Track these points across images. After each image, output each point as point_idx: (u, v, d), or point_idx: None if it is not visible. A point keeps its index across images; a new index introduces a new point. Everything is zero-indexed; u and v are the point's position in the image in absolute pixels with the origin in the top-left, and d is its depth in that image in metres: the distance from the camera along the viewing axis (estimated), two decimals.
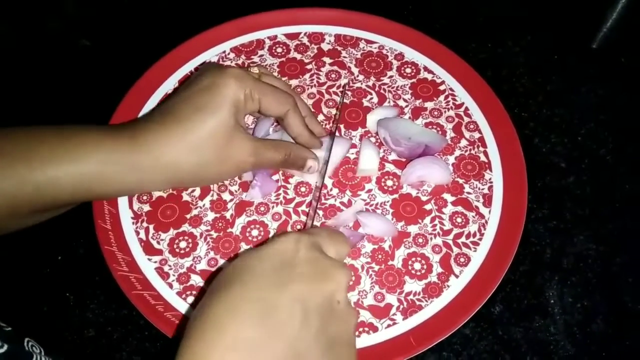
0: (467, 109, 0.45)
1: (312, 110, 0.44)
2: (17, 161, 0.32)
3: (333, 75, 0.47)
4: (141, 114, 0.45)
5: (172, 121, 0.35)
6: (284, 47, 0.49)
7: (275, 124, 0.44)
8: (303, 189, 0.41)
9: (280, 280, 0.27)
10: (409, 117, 0.45)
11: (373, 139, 0.44)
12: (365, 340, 0.36)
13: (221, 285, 0.28)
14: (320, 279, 0.28)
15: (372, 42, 0.49)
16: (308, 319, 0.27)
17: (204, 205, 0.40)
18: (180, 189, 0.41)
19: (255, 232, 0.39)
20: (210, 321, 0.26)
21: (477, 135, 0.44)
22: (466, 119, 0.45)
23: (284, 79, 0.47)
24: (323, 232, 0.32)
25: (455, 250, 0.39)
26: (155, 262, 0.38)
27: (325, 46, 0.49)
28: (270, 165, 0.39)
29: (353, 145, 0.43)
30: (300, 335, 0.26)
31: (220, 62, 0.48)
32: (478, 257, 0.39)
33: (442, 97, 0.46)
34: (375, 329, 0.36)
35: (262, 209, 0.40)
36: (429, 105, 0.46)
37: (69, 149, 0.33)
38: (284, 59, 0.48)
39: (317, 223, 0.40)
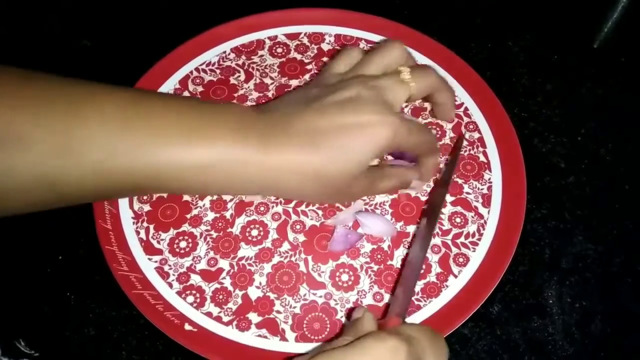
0: (466, 109, 0.45)
1: None
2: (149, 137, 0.30)
3: None
4: None
5: (311, 152, 0.32)
6: (284, 48, 0.49)
7: None
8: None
9: None
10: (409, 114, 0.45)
11: None
12: None
13: None
14: None
15: (372, 42, 0.49)
16: None
17: (204, 205, 0.41)
18: None
19: (255, 232, 0.40)
20: None
21: (476, 135, 0.44)
22: (465, 119, 0.45)
23: (283, 79, 0.47)
24: (424, 337, 0.27)
25: (454, 250, 0.39)
26: (156, 261, 0.38)
27: (325, 46, 0.49)
28: (379, 194, 0.40)
29: None
30: None
31: (221, 62, 0.48)
32: (477, 257, 0.39)
33: None
34: None
35: (262, 208, 0.41)
36: (429, 105, 0.46)
37: (202, 140, 0.31)
38: (284, 59, 0.48)
39: (316, 223, 0.40)
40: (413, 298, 0.37)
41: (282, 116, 0.34)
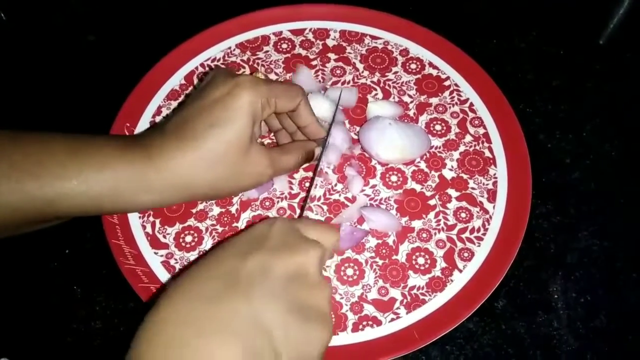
0: (472, 104, 0.45)
1: None
2: (27, 175, 0.31)
3: (338, 71, 0.47)
4: (147, 110, 0.45)
5: (186, 138, 0.33)
6: (289, 43, 0.49)
7: None
8: (307, 184, 0.42)
9: (246, 252, 0.29)
10: (414, 114, 0.45)
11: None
12: (369, 334, 0.36)
13: (195, 265, 0.29)
14: (287, 250, 0.29)
15: (377, 38, 0.49)
16: (270, 286, 0.27)
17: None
18: None
19: None
20: (175, 294, 0.27)
21: (481, 130, 0.44)
22: (471, 115, 0.45)
23: (289, 75, 0.47)
24: (307, 220, 0.33)
25: (459, 245, 0.39)
26: (162, 255, 0.39)
27: (330, 42, 0.49)
28: (287, 171, 0.39)
29: (355, 141, 0.43)
30: (259, 292, 0.27)
31: (226, 58, 0.48)
32: (482, 252, 0.39)
33: (447, 93, 0.46)
34: (379, 323, 0.36)
35: (267, 203, 0.41)
36: (434, 101, 0.46)
37: (81, 165, 0.32)
38: (289, 54, 0.48)
39: (321, 218, 0.40)
40: (418, 292, 0.37)
41: (156, 128, 0.36)
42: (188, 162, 0.33)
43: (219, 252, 0.29)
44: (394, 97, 0.46)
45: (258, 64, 0.48)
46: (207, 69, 0.47)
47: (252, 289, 0.27)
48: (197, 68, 0.47)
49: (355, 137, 0.44)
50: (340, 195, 0.41)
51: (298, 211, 0.40)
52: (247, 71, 0.47)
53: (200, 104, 0.34)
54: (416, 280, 0.38)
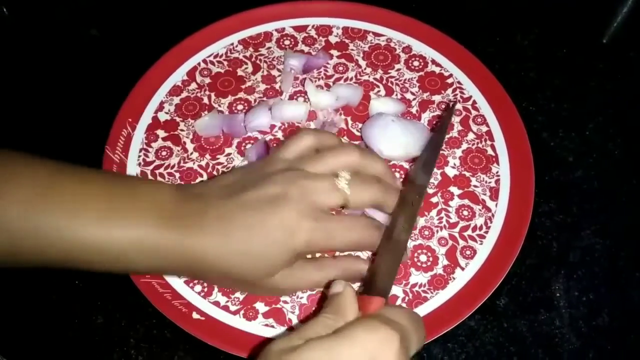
0: (474, 102, 0.45)
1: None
2: (62, 218, 0.29)
3: (340, 68, 0.47)
4: (149, 105, 0.45)
5: (227, 237, 0.31)
6: (292, 40, 0.49)
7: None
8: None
9: None
10: (417, 111, 0.45)
11: None
12: None
13: None
14: None
15: (380, 35, 0.49)
16: None
17: None
18: (190, 179, 0.41)
19: None
20: None
21: (484, 128, 0.44)
22: (474, 112, 0.45)
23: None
24: (410, 324, 0.26)
25: (462, 243, 0.39)
26: None
27: (332, 39, 0.49)
28: (314, 287, 0.36)
29: (358, 138, 0.43)
30: None
31: (228, 54, 0.48)
32: (484, 250, 0.39)
33: (449, 91, 0.46)
34: None
35: None
36: (437, 98, 0.46)
37: (121, 223, 0.30)
38: (291, 51, 0.48)
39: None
40: (420, 289, 0.37)
41: (202, 205, 0.32)
42: (212, 266, 0.31)
43: None
44: (396, 95, 0.46)
45: (260, 60, 0.48)
46: (209, 65, 0.47)
47: None
48: (199, 64, 0.47)
49: (358, 133, 0.44)
50: None
51: None
52: (250, 68, 0.47)
53: (255, 217, 0.31)
54: (418, 277, 0.38)
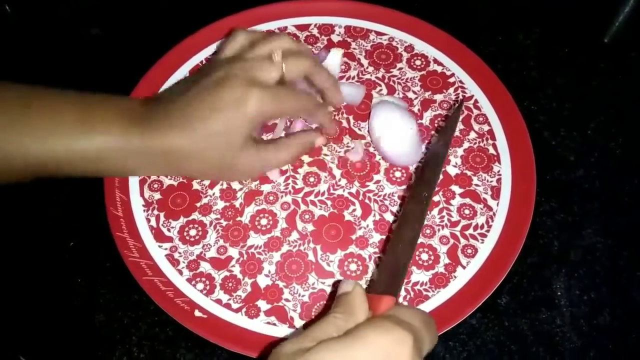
0: (476, 101, 0.45)
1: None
2: (34, 131, 0.33)
3: (343, 67, 0.47)
4: None
5: (189, 122, 0.35)
6: (294, 38, 0.49)
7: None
8: (312, 179, 0.42)
9: None
10: (418, 110, 0.45)
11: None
12: None
13: None
14: None
15: (382, 34, 0.49)
16: None
17: (213, 194, 0.41)
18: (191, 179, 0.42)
19: (264, 221, 0.40)
20: None
21: (486, 127, 0.44)
22: (475, 112, 0.45)
23: None
24: (422, 325, 0.26)
25: (463, 241, 0.39)
26: (166, 249, 0.39)
27: (335, 37, 0.49)
28: (280, 166, 0.41)
29: (360, 137, 0.43)
30: None
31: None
32: (485, 248, 0.39)
33: (451, 90, 0.46)
34: None
35: (271, 198, 0.41)
36: (439, 97, 0.46)
37: (90, 130, 0.34)
38: None
39: (325, 214, 0.40)
40: (421, 288, 0.37)
41: (163, 104, 0.36)
42: (183, 146, 0.35)
43: None
44: (398, 93, 0.46)
45: None
46: None
47: None
48: (201, 62, 0.47)
49: (360, 132, 0.44)
50: (344, 190, 0.41)
51: (302, 206, 0.40)
52: None
53: (208, 98, 0.35)
54: (419, 276, 0.38)
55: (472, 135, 0.44)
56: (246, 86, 0.35)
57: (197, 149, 0.35)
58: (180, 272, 0.38)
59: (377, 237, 0.39)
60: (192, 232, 0.39)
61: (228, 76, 0.35)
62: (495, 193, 0.41)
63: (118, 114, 0.35)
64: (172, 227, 0.39)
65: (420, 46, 0.48)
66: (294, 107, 0.38)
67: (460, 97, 0.46)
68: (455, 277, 0.38)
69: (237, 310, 0.36)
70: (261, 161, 0.38)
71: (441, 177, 0.42)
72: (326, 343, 0.24)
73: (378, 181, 0.42)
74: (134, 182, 0.41)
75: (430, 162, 0.40)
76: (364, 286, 0.37)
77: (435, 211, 0.40)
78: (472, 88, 0.46)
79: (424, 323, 0.26)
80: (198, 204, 0.40)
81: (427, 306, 0.37)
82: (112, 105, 0.35)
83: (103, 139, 0.34)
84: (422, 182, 0.37)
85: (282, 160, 0.39)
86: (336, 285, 0.37)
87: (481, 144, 0.43)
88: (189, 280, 0.37)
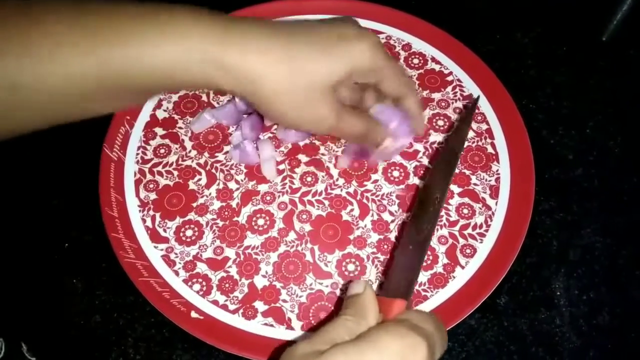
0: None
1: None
2: (99, 40, 0.28)
3: None
4: (147, 105, 0.44)
5: (283, 42, 0.30)
6: None
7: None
8: (309, 179, 0.41)
9: None
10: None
11: None
12: None
13: None
14: None
15: (380, 32, 0.49)
16: None
17: (210, 194, 0.40)
18: (188, 177, 0.41)
19: (261, 222, 0.39)
20: None
21: (484, 126, 0.44)
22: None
23: None
24: (435, 330, 0.26)
25: (462, 241, 0.39)
26: (162, 249, 0.38)
27: None
28: (348, 134, 0.35)
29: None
30: None
31: None
32: (484, 248, 0.39)
33: (449, 88, 0.46)
34: None
35: (268, 198, 0.40)
36: (437, 96, 0.45)
37: (153, 30, 0.29)
38: None
39: (323, 214, 0.40)
40: (419, 288, 0.37)
41: (253, 24, 0.31)
42: (270, 60, 0.30)
43: None
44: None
45: None
46: None
47: None
48: None
49: None
50: (341, 190, 0.41)
51: (299, 206, 0.40)
52: None
53: (317, 28, 0.32)
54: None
55: (471, 134, 0.44)
56: (363, 31, 0.32)
57: (287, 73, 0.30)
58: (177, 273, 0.37)
59: (375, 237, 0.39)
60: (189, 233, 0.39)
61: (341, 19, 0.33)
62: (494, 192, 0.41)
63: (195, 20, 0.30)
64: (168, 228, 0.39)
65: (418, 45, 0.48)
66: (400, 74, 0.35)
67: (459, 95, 0.45)
68: (454, 277, 0.38)
69: (234, 312, 0.36)
70: (338, 116, 0.33)
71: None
72: (341, 347, 0.24)
73: (376, 181, 0.41)
74: (129, 183, 0.41)
75: (442, 164, 0.38)
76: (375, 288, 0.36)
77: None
78: (471, 87, 0.46)
79: (436, 328, 0.26)
80: (194, 204, 0.40)
81: (426, 306, 0.36)
82: (184, 12, 0.30)
83: (185, 45, 0.29)
84: (435, 185, 0.36)
85: (355, 128, 0.34)
86: (334, 286, 0.37)
87: (480, 143, 0.43)
88: (185, 281, 0.37)
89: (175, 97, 0.45)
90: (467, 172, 0.42)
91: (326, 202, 0.40)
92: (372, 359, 0.23)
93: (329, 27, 0.32)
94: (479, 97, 0.44)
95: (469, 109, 0.42)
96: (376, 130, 0.36)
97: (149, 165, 0.42)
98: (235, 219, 0.40)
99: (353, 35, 0.32)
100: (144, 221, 0.39)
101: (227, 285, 0.37)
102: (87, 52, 0.28)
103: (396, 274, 0.31)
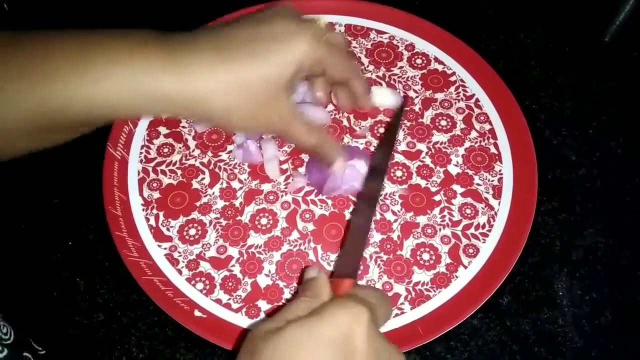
0: (477, 100, 0.45)
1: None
2: (37, 77, 0.28)
3: None
4: None
5: (225, 57, 0.30)
6: None
7: None
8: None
9: None
10: (419, 109, 0.45)
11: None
12: None
13: None
14: None
15: (383, 33, 0.49)
16: None
17: (213, 193, 0.41)
18: (192, 176, 0.41)
19: (264, 221, 0.40)
20: None
21: (487, 126, 0.44)
22: (477, 111, 0.45)
23: None
24: (378, 301, 0.28)
25: (464, 241, 0.39)
26: (165, 248, 0.38)
27: None
28: (296, 143, 0.35)
29: (359, 136, 0.43)
30: None
31: None
32: (487, 248, 0.39)
33: (452, 88, 0.46)
34: None
35: (271, 197, 0.40)
36: (440, 96, 0.45)
37: (91, 64, 0.29)
38: None
39: (326, 213, 0.40)
40: (422, 288, 0.37)
41: (189, 35, 0.31)
42: (212, 79, 0.30)
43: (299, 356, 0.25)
44: (399, 92, 0.45)
45: None
46: None
47: None
48: None
49: (360, 131, 0.44)
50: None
51: (302, 205, 0.40)
52: None
53: (256, 31, 0.31)
54: (421, 275, 0.38)
55: (474, 134, 0.44)
56: (301, 24, 0.32)
57: (232, 80, 0.30)
58: (180, 272, 0.37)
59: (378, 237, 0.39)
60: (192, 232, 0.39)
61: (276, 14, 0.32)
62: (497, 192, 0.41)
63: (129, 43, 0.30)
64: (172, 227, 0.39)
65: (421, 45, 0.48)
66: (343, 60, 0.35)
67: (462, 95, 0.45)
68: (456, 277, 0.38)
69: (237, 310, 0.36)
70: (288, 123, 0.33)
71: (442, 176, 0.42)
72: (295, 322, 0.26)
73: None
74: (133, 182, 0.41)
75: (371, 175, 0.39)
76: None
77: (436, 210, 0.40)
78: (473, 87, 0.46)
79: (379, 299, 0.29)
80: (198, 203, 0.40)
81: (429, 306, 0.36)
82: (120, 41, 0.30)
83: (119, 79, 0.29)
84: (373, 175, 0.39)
85: (302, 140, 0.34)
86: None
87: (482, 143, 0.43)
88: (188, 279, 0.37)
89: None
90: (470, 172, 0.42)
91: (329, 202, 0.40)
92: (322, 328, 0.26)
93: (268, 28, 0.31)
94: (403, 104, 0.43)
95: (396, 115, 0.43)
96: (328, 151, 0.36)
97: (152, 164, 0.42)
98: (239, 218, 0.40)
99: (291, 33, 0.31)
100: (148, 220, 0.39)
101: (230, 284, 0.37)
102: (23, 91, 0.28)
103: (345, 257, 0.36)
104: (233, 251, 0.38)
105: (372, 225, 0.39)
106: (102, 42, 0.30)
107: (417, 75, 0.46)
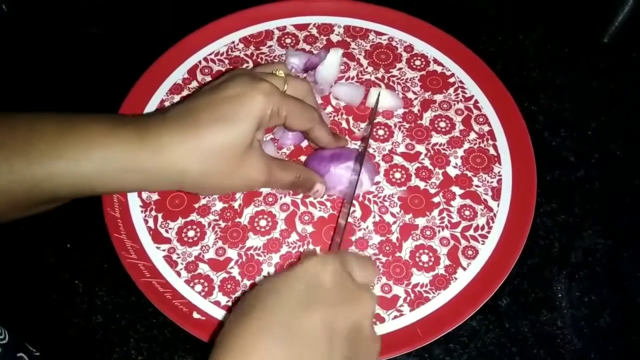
0: (476, 101, 0.45)
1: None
2: (15, 155, 0.31)
3: (342, 67, 0.47)
4: (149, 103, 0.45)
5: (188, 125, 0.33)
6: (293, 38, 0.49)
7: None
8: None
9: (307, 304, 0.27)
10: (418, 110, 0.45)
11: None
12: None
13: (245, 309, 0.27)
14: (347, 303, 0.28)
15: (382, 34, 0.49)
16: (335, 343, 0.26)
17: (212, 195, 0.41)
18: None
19: (263, 223, 0.39)
20: (236, 345, 0.25)
21: (486, 128, 0.44)
22: (475, 112, 0.45)
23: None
24: (351, 256, 0.31)
25: (463, 243, 0.39)
26: (164, 250, 0.38)
27: (334, 37, 0.49)
28: (280, 186, 0.38)
29: (358, 138, 0.43)
30: (323, 349, 0.26)
31: (229, 52, 0.48)
32: (486, 250, 0.39)
33: (451, 90, 0.46)
34: (382, 320, 0.36)
35: (270, 199, 0.40)
36: (438, 97, 0.45)
37: (70, 144, 0.31)
38: (292, 50, 0.48)
39: (325, 215, 0.40)
40: (421, 289, 0.37)
41: (157, 113, 0.34)
42: (184, 150, 0.32)
43: (270, 300, 0.27)
44: (398, 94, 0.45)
45: (261, 58, 0.47)
46: (210, 63, 0.47)
47: (317, 346, 0.26)
48: (200, 62, 0.47)
49: (359, 133, 0.43)
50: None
51: (301, 207, 0.40)
52: (251, 66, 0.47)
53: (211, 97, 0.34)
54: (420, 277, 0.38)
55: (472, 135, 0.44)
56: (253, 82, 0.34)
57: (201, 147, 0.33)
58: (179, 274, 0.37)
59: (376, 239, 0.39)
60: (191, 234, 0.39)
61: (233, 78, 0.34)
62: (496, 194, 0.41)
63: (103, 125, 0.33)
64: (170, 228, 0.39)
65: (420, 46, 0.48)
66: (300, 111, 0.36)
67: (461, 97, 0.45)
68: (455, 278, 0.38)
69: None
70: (267, 173, 0.35)
71: (441, 178, 0.41)
72: (270, 277, 0.29)
73: (378, 182, 0.41)
74: None
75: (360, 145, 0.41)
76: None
77: (435, 212, 0.40)
78: (472, 88, 0.46)
79: (354, 256, 0.31)
80: (196, 205, 0.40)
81: (428, 308, 0.36)
82: (95, 118, 0.33)
83: (98, 155, 0.32)
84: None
85: (286, 181, 0.37)
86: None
87: (481, 145, 0.43)
88: (187, 281, 0.37)
89: (178, 98, 0.45)
90: (469, 174, 0.42)
91: (328, 204, 0.40)
92: (292, 272, 0.28)
93: (223, 92, 0.34)
94: (365, 148, 0.42)
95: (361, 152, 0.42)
96: (307, 178, 0.38)
97: None
98: (238, 220, 0.40)
99: (243, 94, 0.33)
100: (146, 222, 0.39)
101: (229, 286, 0.37)
102: (4, 170, 0.30)
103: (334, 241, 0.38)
104: (232, 253, 0.38)
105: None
106: (81, 123, 0.32)
107: (416, 77, 0.46)
